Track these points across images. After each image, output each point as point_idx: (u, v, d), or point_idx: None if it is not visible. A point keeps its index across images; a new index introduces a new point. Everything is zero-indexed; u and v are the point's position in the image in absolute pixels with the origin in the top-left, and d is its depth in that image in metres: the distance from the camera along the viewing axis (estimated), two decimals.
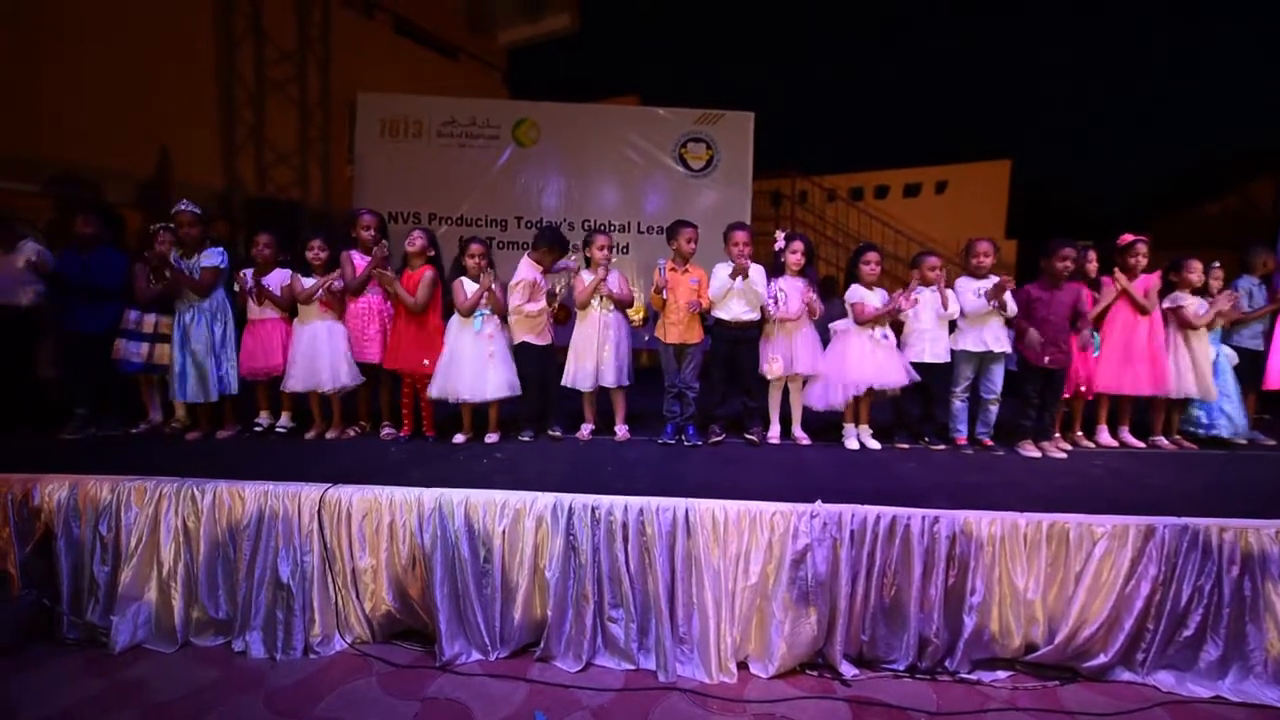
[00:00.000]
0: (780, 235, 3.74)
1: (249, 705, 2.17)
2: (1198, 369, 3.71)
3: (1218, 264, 3.85)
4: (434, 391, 3.50)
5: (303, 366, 3.53)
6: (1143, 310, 3.70)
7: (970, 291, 3.57)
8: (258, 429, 3.69)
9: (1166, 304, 3.78)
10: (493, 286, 3.53)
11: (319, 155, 8.28)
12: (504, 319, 3.67)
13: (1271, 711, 2.20)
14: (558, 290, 3.70)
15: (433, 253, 3.64)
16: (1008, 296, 3.46)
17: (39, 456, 2.93)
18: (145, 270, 3.63)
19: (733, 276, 3.53)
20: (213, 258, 3.59)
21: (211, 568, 2.56)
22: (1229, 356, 3.89)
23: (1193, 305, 3.75)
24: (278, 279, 3.64)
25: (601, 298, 3.67)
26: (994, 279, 3.48)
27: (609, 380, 3.69)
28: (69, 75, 5.77)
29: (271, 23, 7.64)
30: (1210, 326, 3.80)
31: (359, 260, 3.67)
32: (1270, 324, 4.01)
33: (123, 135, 6.23)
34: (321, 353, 3.54)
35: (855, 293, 3.65)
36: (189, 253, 3.60)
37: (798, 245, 3.69)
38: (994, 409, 3.65)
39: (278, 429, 3.69)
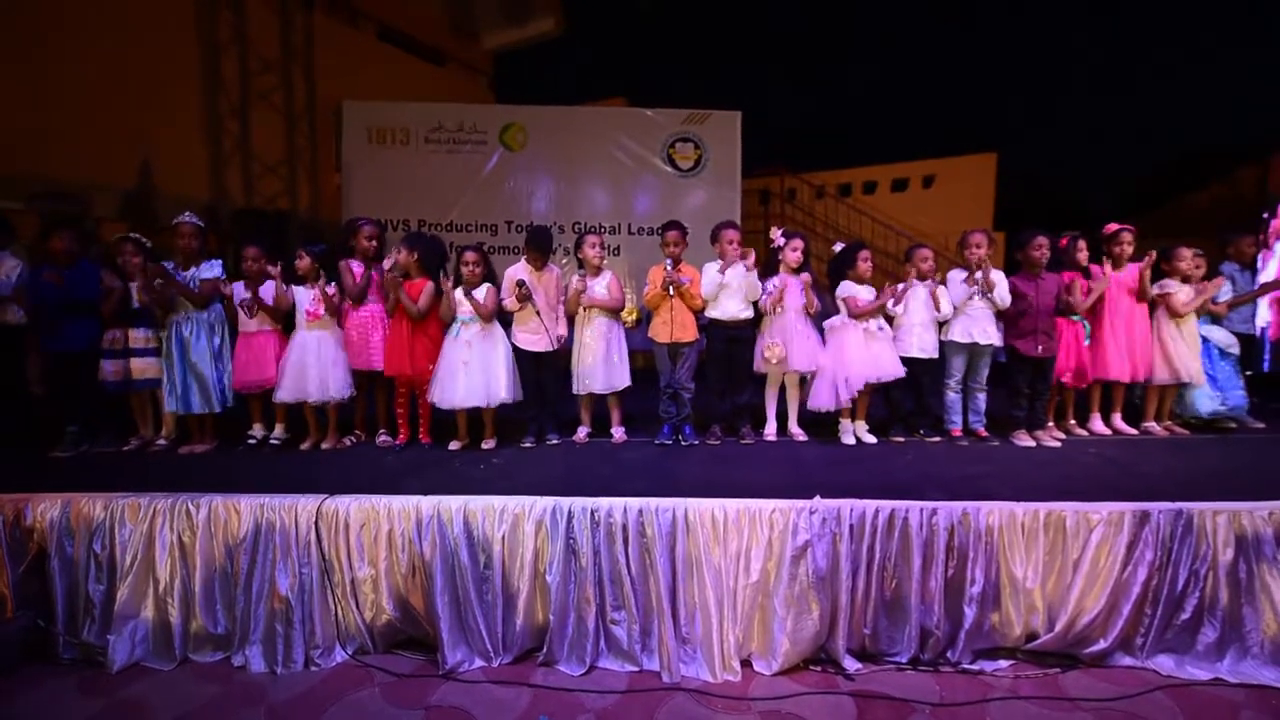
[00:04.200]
0: (778, 233, 3.76)
1: None
2: (1189, 353, 3.75)
3: (1199, 252, 3.90)
4: (435, 398, 3.48)
5: (291, 377, 3.52)
6: (1143, 296, 3.76)
7: (958, 282, 3.60)
8: (251, 442, 3.65)
9: (1155, 290, 3.82)
10: (469, 293, 3.50)
11: (306, 165, 8.22)
12: (501, 324, 3.66)
13: (1270, 691, 2.23)
14: (530, 291, 3.61)
15: (416, 256, 3.55)
16: (1000, 279, 3.49)
17: (30, 475, 2.90)
18: (118, 283, 3.55)
19: (722, 271, 3.57)
20: (213, 269, 3.61)
21: (209, 583, 2.54)
22: (1224, 341, 3.93)
23: (1180, 292, 3.79)
24: (269, 292, 3.62)
25: (584, 308, 3.67)
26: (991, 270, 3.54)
27: (616, 383, 3.69)
28: (52, 89, 5.71)
29: (255, 31, 7.59)
30: (1199, 313, 3.85)
31: (358, 269, 3.67)
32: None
33: (107, 148, 6.16)
34: (309, 364, 3.52)
35: (846, 288, 3.67)
36: (186, 264, 3.59)
37: (797, 243, 3.70)
38: (981, 396, 3.69)
39: (271, 441, 3.66)
